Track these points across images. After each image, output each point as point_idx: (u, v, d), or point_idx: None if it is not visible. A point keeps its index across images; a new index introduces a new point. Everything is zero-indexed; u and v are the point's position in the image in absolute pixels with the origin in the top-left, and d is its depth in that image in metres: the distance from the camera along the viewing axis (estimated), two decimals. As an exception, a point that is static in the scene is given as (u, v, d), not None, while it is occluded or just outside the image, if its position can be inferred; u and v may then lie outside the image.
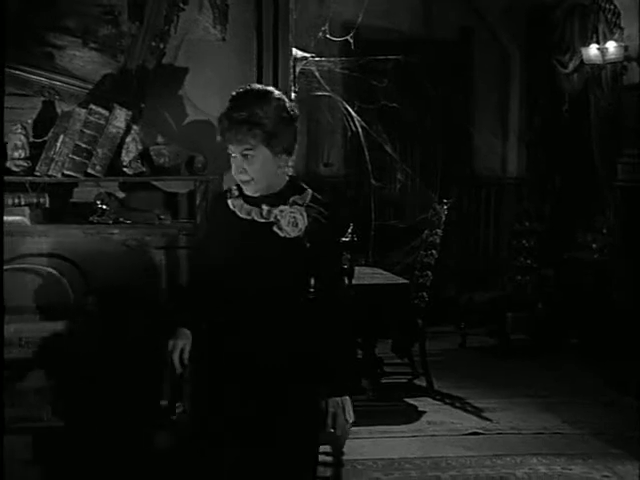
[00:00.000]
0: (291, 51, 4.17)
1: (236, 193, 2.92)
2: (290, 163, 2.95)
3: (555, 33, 7.41)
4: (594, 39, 6.68)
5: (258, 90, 2.86)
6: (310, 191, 2.94)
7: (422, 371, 6.13)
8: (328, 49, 6.82)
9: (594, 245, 6.90)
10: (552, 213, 7.58)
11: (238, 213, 2.90)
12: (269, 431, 2.88)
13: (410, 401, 5.87)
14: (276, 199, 2.86)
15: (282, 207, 2.84)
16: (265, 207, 2.86)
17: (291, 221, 2.83)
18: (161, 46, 3.83)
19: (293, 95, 6.30)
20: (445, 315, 7.33)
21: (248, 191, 2.86)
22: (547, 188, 7.73)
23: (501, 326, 7.27)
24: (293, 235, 2.83)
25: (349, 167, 7.84)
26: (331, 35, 5.84)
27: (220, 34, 3.74)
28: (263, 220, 2.86)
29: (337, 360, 2.90)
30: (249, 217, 2.88)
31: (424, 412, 5.63)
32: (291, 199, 2.87)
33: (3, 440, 2.72)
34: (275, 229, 2.83)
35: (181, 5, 3.79)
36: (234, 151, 2.80)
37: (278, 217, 2.84)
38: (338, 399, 2.86)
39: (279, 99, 2.82)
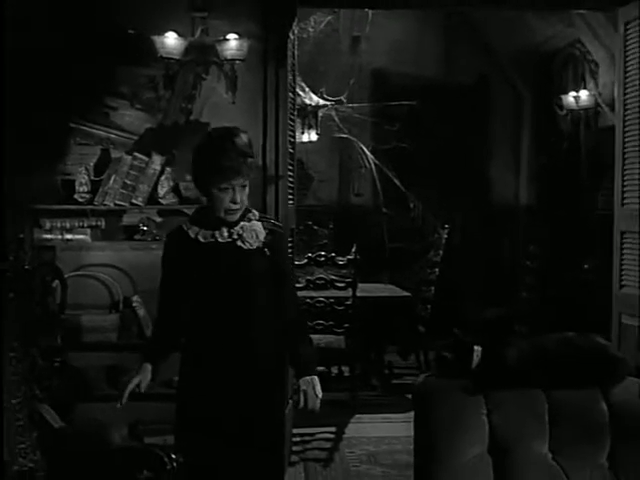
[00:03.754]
0: (292, 107, 5.09)
1: (190, 224, 3.09)
2: None
3: (555, 79, 8.26)
4: (581, 86, 7.51)
5: (231, 130, 3.04)
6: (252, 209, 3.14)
7: (427, 373, 6.98)
8: (353, 96, 7.84)
9: (585, 266, 7.68)
10: (554, 238, 8.32)
11: (201, 239, 3.04)
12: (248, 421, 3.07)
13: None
14: (226, 221, 3.04)
15: (242, 224, 3.04)
16: (224, 228, 3.04)
17: (252, 234, 3.03)
18: (189, 107, 4.69)
19: (316, 137, 7.39)
20: (465, 330, 8.06)
21: (232, 218, 3.03)
22: (551, 216, 8.51)
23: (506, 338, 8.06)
24: (255, 246, 3.03)
25: (376, 197, 8.74)
26: (329, 95, 6.75)
27: (231, 98, 4.58)
28: (226, 239, 3.04)
29: (302, 346, 3.14)
30: (212, 240, 3.04)
31: (421, 404, 6.52)
32: (246, 216, 3.07)
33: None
34: (239, 243, 3.02)
35: (203, 76, 4.66)
36: (233, 184, 2.94)
37: (240, 232, 3.03)
38: (308, 378, 3.08)
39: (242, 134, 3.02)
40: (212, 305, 3.08)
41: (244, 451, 3.08)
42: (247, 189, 3.02)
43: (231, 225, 3.05)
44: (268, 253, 3.06)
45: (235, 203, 2.98)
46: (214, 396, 3.08)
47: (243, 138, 3.00)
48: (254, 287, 3.07)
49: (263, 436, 3.12)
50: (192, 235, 3.06)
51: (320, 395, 3.10)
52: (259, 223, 3.09)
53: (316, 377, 3.12)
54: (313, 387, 3.08)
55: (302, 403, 3.09)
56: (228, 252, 3.04)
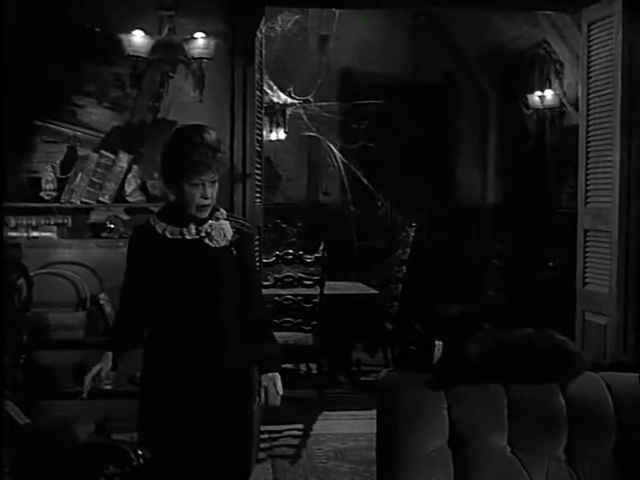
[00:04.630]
0: (260, 106, 5.12)
1: (158, 220, 3.11)
2: None
3: (521, 78, 8.34)
4: (547, 86, 7.59)
5: (199, 126, 3.09)
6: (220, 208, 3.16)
7: (392, 369, 7.04)
8: (321, 95, 7.88)
9: (550, 264, 7.76)
10: (520, 236, 8.41)
11: (168, 235, 3.05)
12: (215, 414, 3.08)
13: (380, 393, 6.80)
14: (196, 218, 3.06)
15: (210, 222, 3.06)
16: (192, 225, 3.06)
17: (220, 232, 3.05)
18: (156, 105, 4.71)
19: (284, 135, 7.42)
20: (427, 326, 8.15)
21: (202, 215, 3.04)
22: (517, 214, 8.60)
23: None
24: (222, 244, 3.05)
25: (344, 195, 8.79)
26: (297, 93, 6.80)
27: (199, 97, 4.62)
28: (194, 236, 3.06)
29: (264, 344, 3.18)
30: (179, 236, 3.06)
31: (388, 401, 6.56)
32: (214, 215, 3.09)
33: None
34: (206, 241, 3.04)
35: (171, 74, 4.69)
36: (203, 180, 2.96)
37: (209, 230, 3.04)
38: (270, 374, 3.14)
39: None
40: (177, 301, 3.08)
41: (211, 448, 3.09)
42: (217, 185, 3.05)
43: (199, 222, 3.07)
44: (235, 252, 3.09)
45: (206, 198, 3.01)
46: (179, 393, 3.09)
47: (212, 134, 3.04)
48: (219, 285, 3.09)
49: (231, 433, 3.13)
50: (159, 230, 3.08)
51: (281, 392, 3.15)
52: (227, 222, 3.12)
53: (277, 374, 3.16)
54: (274, 384, 3.13)
55: (263, 399, 3.14)
56: (195, 249, 3.06)
